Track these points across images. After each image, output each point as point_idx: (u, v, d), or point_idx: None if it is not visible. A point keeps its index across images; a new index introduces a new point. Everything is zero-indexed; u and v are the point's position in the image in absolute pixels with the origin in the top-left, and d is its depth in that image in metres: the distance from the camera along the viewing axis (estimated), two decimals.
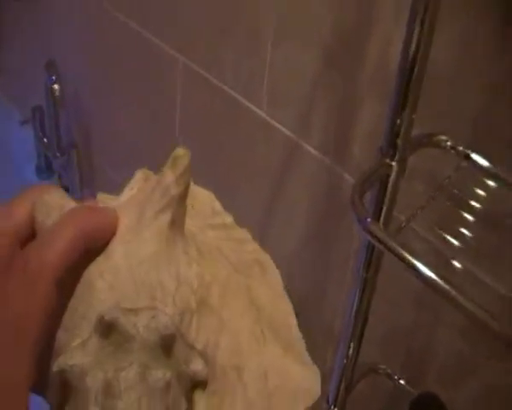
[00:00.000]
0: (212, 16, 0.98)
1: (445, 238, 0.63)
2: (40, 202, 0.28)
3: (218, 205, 0.33)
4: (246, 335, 0.27)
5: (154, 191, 0.28)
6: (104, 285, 0.26)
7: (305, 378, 0.26)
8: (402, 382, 0.74)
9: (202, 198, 0.32)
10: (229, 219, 0.32)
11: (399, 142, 0.52)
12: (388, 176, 0.52)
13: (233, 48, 0.96)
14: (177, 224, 0.28)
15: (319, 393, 0.26)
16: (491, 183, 0.68)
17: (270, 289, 0.30)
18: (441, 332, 0.76)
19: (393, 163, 0.51)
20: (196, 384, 0.26)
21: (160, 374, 0.25)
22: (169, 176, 0.27)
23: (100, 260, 0.26)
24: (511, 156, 0.73)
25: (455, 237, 0.63)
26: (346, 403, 0.68)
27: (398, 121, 0.52)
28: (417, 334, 0.79)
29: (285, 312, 0.29)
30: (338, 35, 0.80)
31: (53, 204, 0.28)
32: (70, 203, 0.28)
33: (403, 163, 0.53)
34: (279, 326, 0.28)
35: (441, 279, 0.43)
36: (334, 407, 0.67)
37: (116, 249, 0.27)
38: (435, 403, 0.68)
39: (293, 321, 0.29)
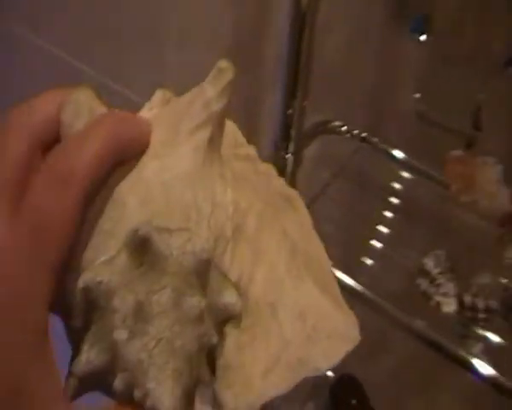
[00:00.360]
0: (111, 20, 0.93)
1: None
2: (68, 101, 0.24)
3: (240, 136, 0.30)
4: (282, 270, 0.25)
5: (193, 105, 0.25)
6: (135, 201, 0.23)
7: (344, 322, 0.25)
8: None
9: (225, 127, 0.28)
10: (252, 151, 0.29)
11: (293, 133, 0.51)
12: (285, 168, 0.52)
13: (133, 52, 0.92)
14: (214, 143, 0.25)
15: (359, 338, 0.24)
16: (390, 163, 0.70)
17: (302, 226, 0.27)
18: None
19: (288, 155, 0.51)
20: (228, 318, 0.24)
21: (194, 301, 0.23)
22: (210, 90, 0.24)
23: (130, 175, 0.24)
24: (404, 136, 0.76)
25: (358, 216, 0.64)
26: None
27: (290, 111, 0.51)
28: None
29: (318, 251, 0.27)
30: (237, 35, 0.78)
31: (82, 105, 0.24)
32: (101, 107, 0.25)
33: (298, 154, 0.52)
34: (314, 266, 0.26)
35: None
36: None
37: (148, 164, 0.24)
38: (353, 384, 0.70)
39: (328, 262, 0.27)
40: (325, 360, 0.24)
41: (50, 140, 0.24)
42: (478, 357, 0.49)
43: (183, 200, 0.23)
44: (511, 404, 0.51)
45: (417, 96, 0.74)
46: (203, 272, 0.23)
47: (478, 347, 0.51)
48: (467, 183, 0.64)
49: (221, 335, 0.24)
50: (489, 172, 0.64)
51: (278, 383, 0.23)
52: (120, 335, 0.22)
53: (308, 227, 0.27)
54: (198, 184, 0.24)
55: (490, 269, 0.54)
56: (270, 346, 0.24)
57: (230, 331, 0.24)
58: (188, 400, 0.23)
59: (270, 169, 0.29)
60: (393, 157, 0.71)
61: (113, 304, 0.22)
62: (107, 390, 0.23)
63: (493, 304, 0.51)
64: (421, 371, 0.74)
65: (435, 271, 0.52)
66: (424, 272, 0.53)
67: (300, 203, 0.28)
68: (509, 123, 0.69)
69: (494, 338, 0.51)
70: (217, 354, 0.24)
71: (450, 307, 0.51)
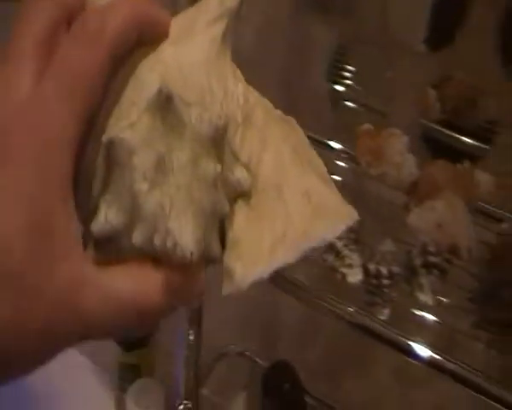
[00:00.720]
0: None
1: None
2: None
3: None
4: (287, 159, 0.27)
5: (209, 2, 0.27)
6: (155, 77, 0.25)
7: (344, 204, 0.27)
8: (254, 358, 0.75)
9: None
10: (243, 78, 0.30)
11: None
12: None
13: None
14: (227, 39, 0.27)
15: (357, 217, 0.26)
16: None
17: (301, 140, 0.29)
18: (283, 302, 0.77)
19: None
20: (238, 194, 0.26)
21: (211, 166, 0.24)
22: None
23: (150, 56, 0.25)
24: (319, 117, 0.76)
25: None
26: (198, 395, 0.67)
27: None
28: (262, 309, 0.79)
29: (317, 159, 0.29)
30: None
31: None
32: None
33: None
34: (314, 165, 0.28)
35: None
36: (187, 399, 0.66)
37: (167, 49, 0.26)
38: (286, 369, 0.70)
39: (325, 169, 0.29)
40: (329, 231, 0.25)
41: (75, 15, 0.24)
42: (412, 339, 0.49)
43: (198, 83, 0.25)
44: (442, 376, 0.51)
45: (329, 77, 0.75)
46: (218, 142, 0.25)
47: (385, 312, 0.52)
48: (375, 156, 0.65)
49: (232, 209, 0.26)
50: (396, 143, 0.65)
51: (285, 254, 0.25)
52: (141, 186, 0.23)
53: (306, 142, 0.29)
54: (212, 72, 0.26)
55: (393, 236, 0.55)
56: (277, 222, 0.25)
57: (240, 208, 0.26)
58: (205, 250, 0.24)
59: (261, 96, 0.31)
60: (313, 139, 0.71)
61: (134, 161, 0.23)
62: (121, 253, 0.24)
63: (396, 269, 0.51)
64: (353, 349, 0.74)
65: (340, 244, 0.52)
66: (330, 247, 0.53)
67: (298, 127, 0.30)
68: (412, 96, 0.70)
69: (400, 302, 0.51)
70: (227, 226, 0.25)
71: (355, 277, 0.51)
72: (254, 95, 0.28)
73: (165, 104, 0.24)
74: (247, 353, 0.75)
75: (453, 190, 0.59)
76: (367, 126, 0.66)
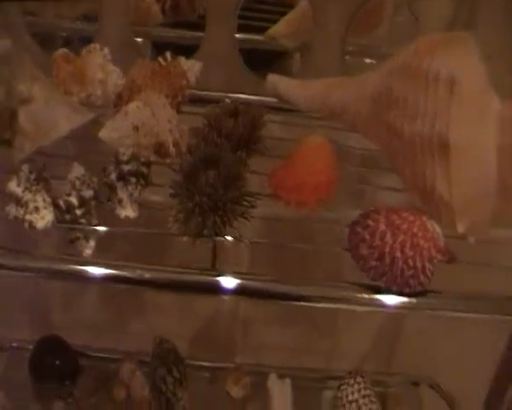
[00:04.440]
0: None
1: None
2: None
3: None
4: None
5: None
6: None
7: None
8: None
9: None
10: None
11: None
12: None
13: None
14: None
15: None
16: None
17: None
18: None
19: None
20: None
21: None
22: None
23: None
24: None
25: None
26: None
27: None
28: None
29: None
30: None
31: None
32: None
33: None
34: None
35: None
36: None
37: None
38: (56, 345, 0.63)
39: None
40: None
41: None
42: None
43: None
44: None
45: None
46: None
47: (90, 245, 0.45)
48: (77, 79, 0.56)
49: None
50: (95, 58, 0.57)
51: None
52: None
53: None
54: None
55: (84, 159, 0.48)
56: None
57: None
58: None
59: None
60: None
61: None
62: None
63: (88, 194, 0.45)
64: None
65: (19, 190, 0.45)
66: (10, 197, 0.45)
67: None
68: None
69: (101, 229, 0.45)
70: None
71: (44, 221, 0.44)
72: None
73: None
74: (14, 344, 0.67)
75: (152, 87, 0.53)
76: (62, 51, 0.58)
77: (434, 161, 0.43)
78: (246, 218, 0.43)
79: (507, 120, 0.42)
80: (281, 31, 0.69)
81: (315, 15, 0.64)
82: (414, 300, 0.41)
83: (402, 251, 0.40)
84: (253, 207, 0.43)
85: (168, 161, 0.48)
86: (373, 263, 0.40)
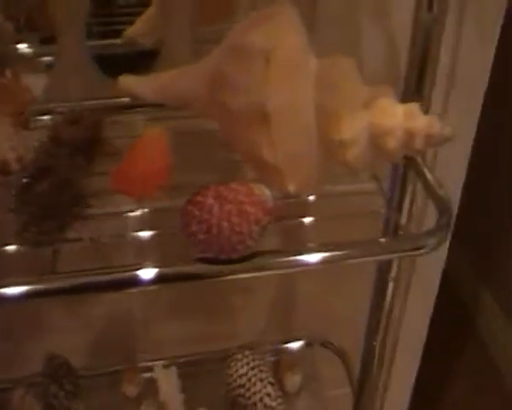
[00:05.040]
0: None
1: None
2: None
3: None
4: None
5: None
6: None
7: None
8: None
9: None
10: None
11: None
12: None
13: None
14: None
15: None
16: None
17: None
18: None
19: None
20: None
21: None
22: None
23: None
24: None
25: None
26: None
27: None
28: None
29: None
30: None
31: None
32: None
33: None
34: None
35: None
36: None
37: None
38: None
39: None
40: None
41: None
42: None
43: None
44: None
45: None
46: None
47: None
48: None
49: None
50: None
51: None
52: None
53: None
54: None
55: None
56: None
57: None
58: None
59: None
60: None
61: None
62: None
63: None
64: None
65: None
66: None
67: None
68: None
69: None
70: None
71: None
72: None
73: None
74: None
75: None
76: None
77: (259, 130, 0.44)
78: (84, 218, 0.44)
79: (322, 79, 0.44)
80: (137, 30, 0.70)
81: (162, 9, 0.65)
82: (238, 265, 0.42)
83: (228, 220, 0.41)
84: (88, 206, 0.44)
85: (13, 178, 0.49)
86: (201, 237, 0.42)
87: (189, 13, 0.66)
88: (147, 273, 0.43)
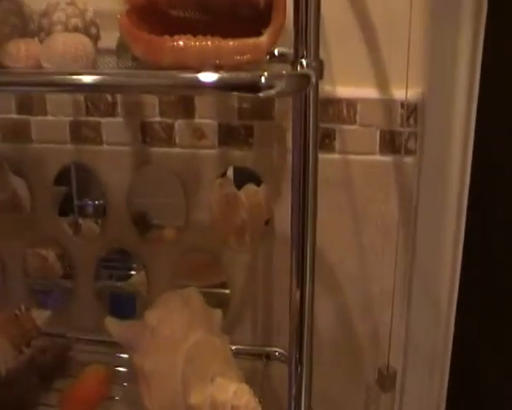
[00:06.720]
0: None
1: None
2: None
3: None
4: None
5: None
6: None
7: None
8: None
9: None
10: None
11: None
12: None
13: None
14: None
15: None
16: None
17: None
18: None
19: None
20: None
21: None
22: None
23: None
24: None
25: None
26: None
27: None
28: None
29: None
30: None
31: None
32: None
33: None
34: None
35: None
36: None
37: None
38: None
39: None
40: None
41: None
42: None
43: None
44: None
45: None
46: None
47: None
48: None
49: None
50: None
51: None
52: None
53: None
54: None
55: None
56: None
57: None
58: None
59: None
60: None
61: None
62: None
63: None
64: None
65: None
66: None
67: None
68: None
69: None
70: None
71: None
72: None
73: None
74: None
75: (5, 333, 0.77)
76: None
77: (142, 383, 0.64)
78: None
79: (188, 354, 0.63)
80: None
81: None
82: None
83: None
84: None
85: None
86: None
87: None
88: None
